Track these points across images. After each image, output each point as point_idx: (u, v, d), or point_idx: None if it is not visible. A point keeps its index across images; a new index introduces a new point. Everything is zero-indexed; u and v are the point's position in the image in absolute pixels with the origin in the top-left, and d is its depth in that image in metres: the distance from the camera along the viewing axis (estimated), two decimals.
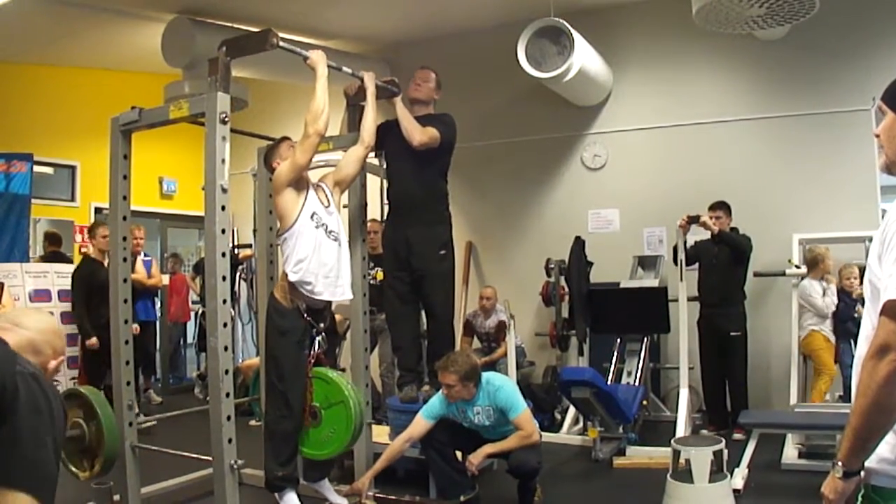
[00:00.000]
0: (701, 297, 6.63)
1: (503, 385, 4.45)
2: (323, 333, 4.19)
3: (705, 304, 6.61)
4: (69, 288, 7.69)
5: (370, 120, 4.54)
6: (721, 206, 6.52)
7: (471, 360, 4.45)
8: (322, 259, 4.10)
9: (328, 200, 4.29)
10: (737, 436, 6.04)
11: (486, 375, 4.51)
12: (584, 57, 6.79)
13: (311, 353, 4.12)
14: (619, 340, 6.90)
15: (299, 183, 4.12)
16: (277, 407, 4.07)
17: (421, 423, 4.51)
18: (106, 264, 6.88)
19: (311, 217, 4.11)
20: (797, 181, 7.05)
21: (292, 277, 4.02)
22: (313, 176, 4.35)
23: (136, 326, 7.13)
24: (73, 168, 9.00)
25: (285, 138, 4.29)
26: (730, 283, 6.46)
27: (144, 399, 7.64)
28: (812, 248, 6.51)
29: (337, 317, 5.98)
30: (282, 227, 4.13)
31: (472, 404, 4.46)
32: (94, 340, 6.77)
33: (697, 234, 6.59)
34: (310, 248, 4.06)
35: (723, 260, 6.43)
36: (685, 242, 6.44)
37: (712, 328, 6.50)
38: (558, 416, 7.04)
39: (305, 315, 4.08)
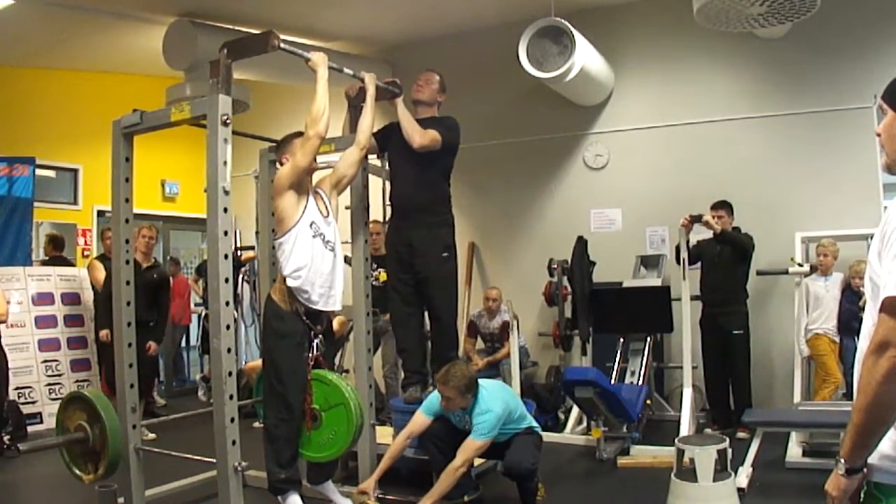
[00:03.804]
0: (703, 297, 6.63)
1: (489, 411, 4.37)
2: (321, 336, 4.19)
3: (708, 304, 6.61)
4: (72, 291, 7.71)
5: (367, 122, 4.52)
6: (723, 206, 6.52)
7: (468, 372, 4.43)
8: (319, 269, 4.09)
9: (327, 210, 4.27)
10: (741, 434, 6.04)
11: (484, 391, 4.48)
12: (586, 56, 6.79)
13: (311, 355, 4.12)
14: (622, 340, 6.90)
15: (300, 187, 4.09)
16: (277, 410, 4.06)
17: (421, 419, 4.53)
18: (143, 266, 6.90)
19: (310, 226, 4.09)
20: (799, 179, 7.05)
21: (291, 283, 4.02)
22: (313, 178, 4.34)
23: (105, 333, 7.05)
24: (75, 171, 9.03)
25: (301, 133, 4.14)
26: (732, 282, 6.46)
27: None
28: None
29: (340, 318, 6.00)
30: (279, 230, 4.10)
31: (467, 412, 4.47)
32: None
33: (700, 234, 6.59)
34: (307, 256, 4.05)
35: (725, 259, 6.43)
36: (688, 242, 6.44)
37: (715, 327, 6.50)
38: (562, 416, 7.04)
39: (304, 318, 4.08)
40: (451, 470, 4.27)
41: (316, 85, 4.05)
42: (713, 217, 6.36)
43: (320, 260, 4.10)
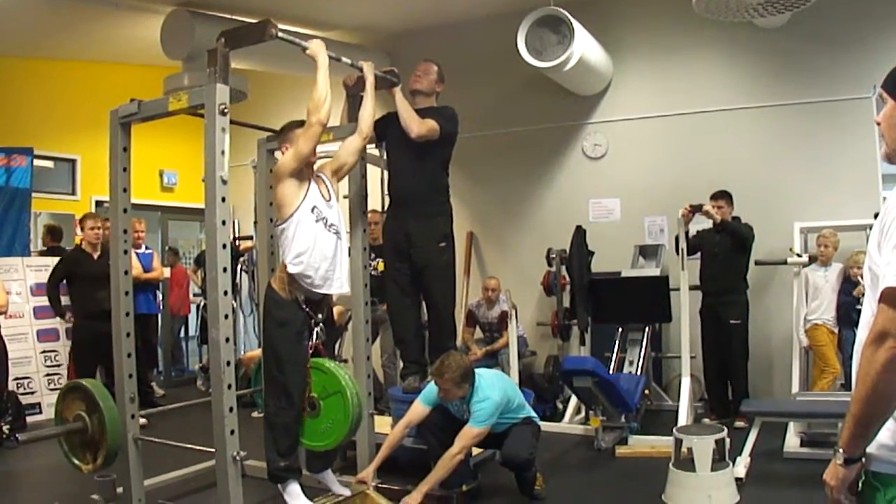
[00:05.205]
0: (703, 286, 6.64)
1: (487, 399, 4.38)
2: (321, 324, 4.19)
3: (707, 293, 6.61)
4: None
5: (368, 110, 4.51)
6: (723, 196, 6.52)
7: (462, 362, 4.42)
8: (322, 253, 4.09)
9: (329, 194, 4.27)
10: (738, 424, 6.06)
11: (482, 380, 4.49)
12: (585, 46, 6.78)
13: (311, 343, 4.12)
14: (620, 330, 6.90)
15: (301, 173, 4.09)
16: (277, 398, 4.07)
17: (419, 409, 4.54)
18: (95, 256, 6.90)
19: (312, 210, 4.09)
20: (798, 170, 7.04)
21: (292, 270, 4.02)
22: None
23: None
24: (73, 161, 9.01)
25: (301, 122, 4.15)
26: (732, 272, 6.46)
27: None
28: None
29: (338, 308, 6.00)
30: (280, 216, 4.10)
31: (465, 401, 4.47)
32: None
33: (700, 223, 6.59)
34: (310, 241, 4.05)
35: (725, 249, 6.44)
36: (687, 232, 6.44)
37: (714, 317, 6.51)
38: (560, 406, 7.06)
39: (304, 306, 4.08)
40: (448, 457, 4.27)
41: (316, 72, 4.04)
42: (713, 207, 6.37)
43: (323, 244, 4.10)
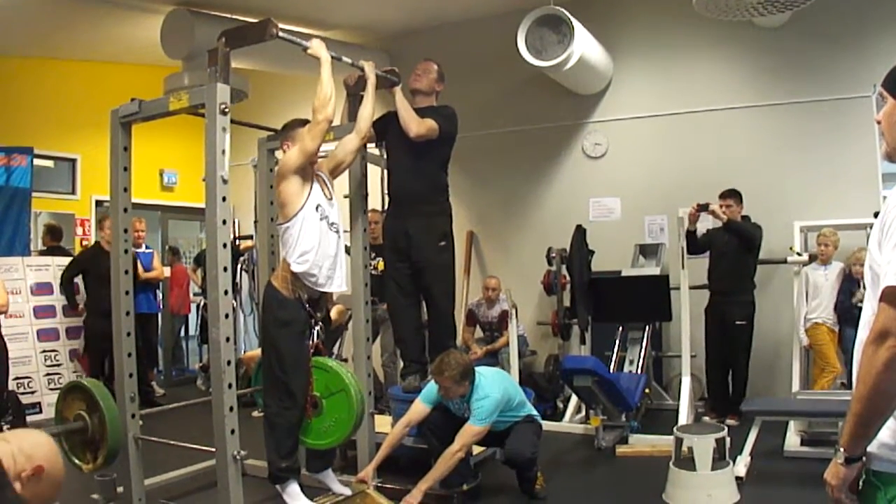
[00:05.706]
0: (710, 286, 6.62)
1: (487, 397, 4.39)
2: (321, 323, 4.19)
3: (714, 292, 6.60)
4: None
5: (368, 110, 4.51)
6: (732, 195, 6.48)
7: (462, 360, 4.42)
8: (325, 251, 4.10)
9: (330, 193, 4.28)
10: (730, 422, 6.05)
11: (482, 378, 4.50)
12: (585, 45, 6.78)
13: (311, 342, 4.12)
14: (620, 329, 6.90)
15: (305, 172, 4.08)
16: (279, 398, 4.06)
17: (419, 408, 4.54)
18: None
19: (317, 209, 4.10)
20: (798, 168, 7.04)
21: (297, 268, 4.01)
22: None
23: None
24: (73, 161, 9.00)
25: (306, 121, 4.16)
26: (739, 272, 6.44)
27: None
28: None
29: (338, 307, 6.00)
30: (283, 215, 4.09)
31: (466, 400, 4.47)
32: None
33: (709, 222, 6.60)
34: (315, 239, 4.05)
35: (732, 248, 6.41)
36: (695, 230, 6.46)
37: (719, 316, 6.49)
38: (560, 405, 7.06)
39: (306, 305, 4.08)
40: (448, 454, 4.27)
41: (320, 70, 4.04)
42: (721, 206, 6.35)
43: (326, 242, 4.11)
